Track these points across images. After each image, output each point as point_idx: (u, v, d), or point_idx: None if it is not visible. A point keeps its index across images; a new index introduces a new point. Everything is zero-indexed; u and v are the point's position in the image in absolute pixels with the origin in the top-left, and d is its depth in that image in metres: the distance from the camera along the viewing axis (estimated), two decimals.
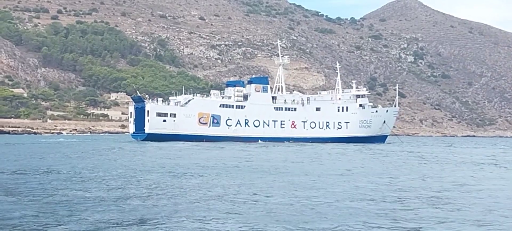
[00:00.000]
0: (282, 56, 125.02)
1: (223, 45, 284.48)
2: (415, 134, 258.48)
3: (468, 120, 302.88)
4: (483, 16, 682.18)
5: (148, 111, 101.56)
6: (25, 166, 39.45)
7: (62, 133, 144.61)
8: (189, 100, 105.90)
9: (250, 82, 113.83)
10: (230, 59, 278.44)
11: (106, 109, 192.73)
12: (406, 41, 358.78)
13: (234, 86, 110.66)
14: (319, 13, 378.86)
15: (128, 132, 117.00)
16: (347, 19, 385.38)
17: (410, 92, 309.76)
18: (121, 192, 26.32)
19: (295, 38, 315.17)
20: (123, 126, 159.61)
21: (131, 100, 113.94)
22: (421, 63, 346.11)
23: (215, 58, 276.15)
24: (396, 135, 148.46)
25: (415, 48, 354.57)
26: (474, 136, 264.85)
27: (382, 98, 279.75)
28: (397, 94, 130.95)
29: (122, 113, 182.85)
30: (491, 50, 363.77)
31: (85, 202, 22.99)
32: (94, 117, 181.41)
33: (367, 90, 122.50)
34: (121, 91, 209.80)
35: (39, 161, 44.67)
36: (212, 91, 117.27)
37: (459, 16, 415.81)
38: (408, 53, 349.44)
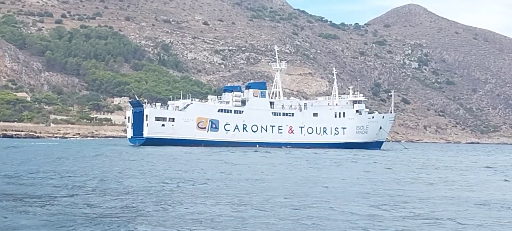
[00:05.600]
0: (280, 62, 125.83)
1: (226, 50, 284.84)
2: (419, 140, 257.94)
3: (472, 127, 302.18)
4: (488, 23, 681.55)
5: (146, 115, 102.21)
6: None
7: (65, 137, 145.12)
8: (187, 105, 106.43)
9: (248, 87, 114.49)
10: (233, 64, 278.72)
11: (109, 114, 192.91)
12: (410, 47, 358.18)
13: (232, 91, 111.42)
14: (323, 19, 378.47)
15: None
16: (351, 24, 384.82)
17: (414, 99, 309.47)
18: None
19: (299, 43, 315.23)
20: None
21: (129, 104, 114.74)
22: (425, 69, 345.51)
23: (219, 63, 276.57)
24: (398, 141, 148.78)
25: (420, 54, 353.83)
26: (478, 143, 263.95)
27: (386, 104, 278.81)
28: (393, 100, 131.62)
29: (125, 118, 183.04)
30: (496, 56, 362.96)
31: None
32: (97, 121, 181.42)
33: (363, 96, 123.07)
34: (125, 96, 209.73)
35: None
36: (209, 97, 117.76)
37: (464, 22, 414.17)
38: (412, 59, 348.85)
